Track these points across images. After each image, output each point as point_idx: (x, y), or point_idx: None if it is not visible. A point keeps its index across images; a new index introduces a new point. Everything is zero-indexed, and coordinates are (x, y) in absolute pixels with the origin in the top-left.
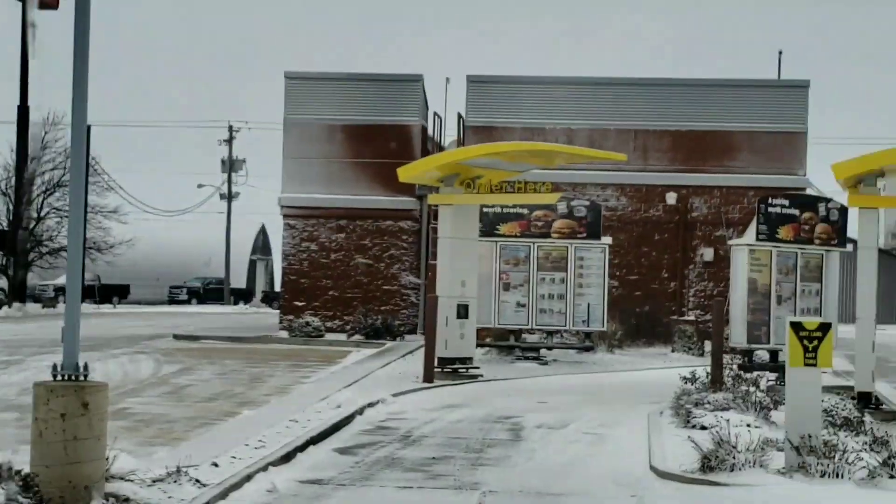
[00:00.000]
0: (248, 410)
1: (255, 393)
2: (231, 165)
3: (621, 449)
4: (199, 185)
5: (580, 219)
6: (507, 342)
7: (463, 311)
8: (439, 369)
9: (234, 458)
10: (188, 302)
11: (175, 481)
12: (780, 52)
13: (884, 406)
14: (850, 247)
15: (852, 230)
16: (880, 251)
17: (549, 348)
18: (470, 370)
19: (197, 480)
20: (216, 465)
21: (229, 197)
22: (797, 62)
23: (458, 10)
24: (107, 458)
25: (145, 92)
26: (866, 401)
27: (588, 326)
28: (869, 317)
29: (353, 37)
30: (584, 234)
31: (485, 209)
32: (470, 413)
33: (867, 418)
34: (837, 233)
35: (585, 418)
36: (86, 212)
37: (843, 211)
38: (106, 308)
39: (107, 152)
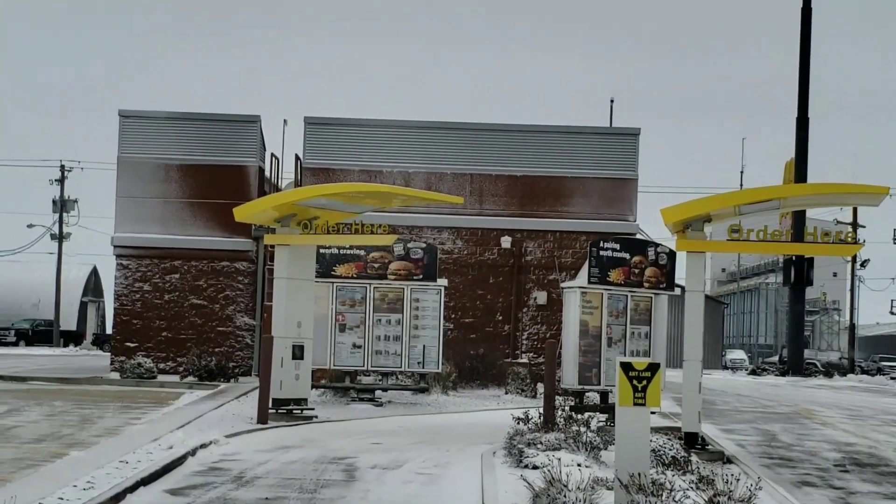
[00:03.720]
0: (76, 451)
1: (84, 434)
2: (62, 205)
3: (455, 488)
4: (30, 225)
5: (416, 261)
6: (342, 383)
7: (298, 352)
8: (273, 410)
9: (61, 499)
10: (16, 344)
11: None
12: (612, 101)
13: (709, 446)
14: (678, 290)
15: (680, 275)
16: (706, 297)
17: (385, 390)
18: (304, 411)
19: None
20: None
21: (60, 237)
22: (628, 111)
23: (299, 51)
24: None
25: None
26: (693, 441)
27: (423, 368)
28: (696, 359)
29: (192, 77)
30: (421, 276)
31: (321, 250)
32: (304, 454)
33: (694, 458)
34: (666, 276)
35: (420, 459)
36: None
37: (672, 255)
38: None
39: None
